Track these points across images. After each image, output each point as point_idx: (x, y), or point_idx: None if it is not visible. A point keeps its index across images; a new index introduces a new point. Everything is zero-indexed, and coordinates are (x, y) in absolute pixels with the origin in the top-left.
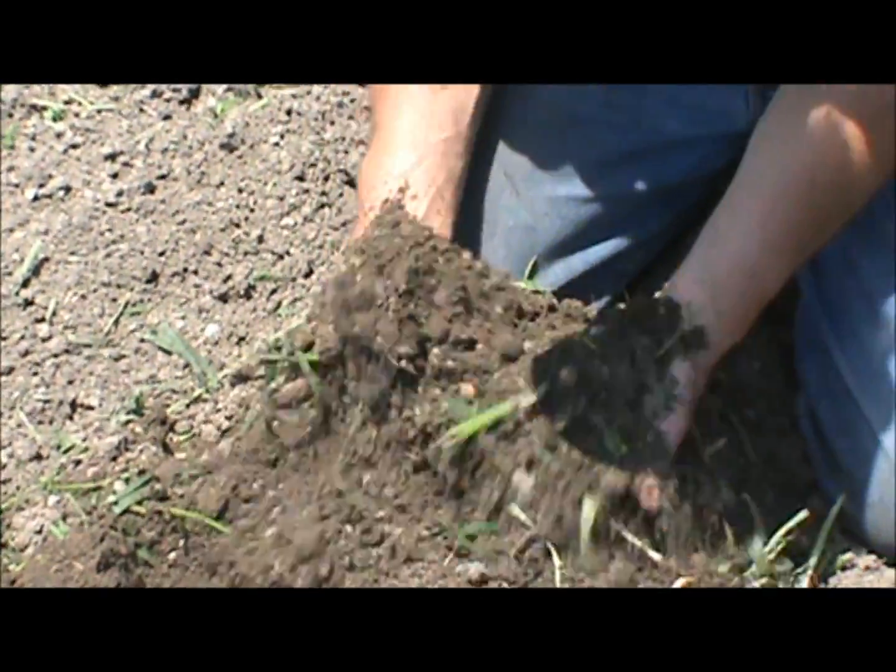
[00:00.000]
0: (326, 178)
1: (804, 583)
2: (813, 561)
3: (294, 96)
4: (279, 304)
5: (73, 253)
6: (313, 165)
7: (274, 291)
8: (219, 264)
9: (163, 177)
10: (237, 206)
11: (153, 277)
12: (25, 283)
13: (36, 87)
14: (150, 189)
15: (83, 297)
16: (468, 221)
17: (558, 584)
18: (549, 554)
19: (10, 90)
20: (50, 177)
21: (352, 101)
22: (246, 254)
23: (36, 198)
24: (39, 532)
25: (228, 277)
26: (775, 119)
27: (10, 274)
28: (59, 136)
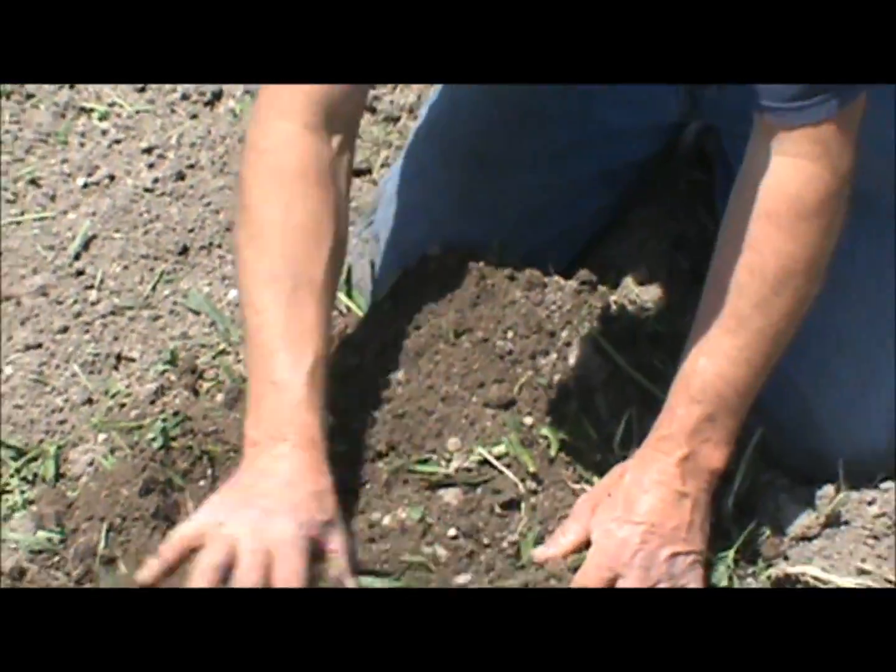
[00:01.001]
0: None
1: (730, 501)
2: (738, 482)
3: None
4: None
5: (117, 231)
6: None
7: None
8: None
9: (191, 166)
10: None
11: (184, 251)
12: (77, 257)
13: (84, 92)
14: (181, 177)
15: (126, 267)
16: (443, 206)
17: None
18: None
19: (63, 95)
20: (97, 167)
21: None
22: None
23: (85, 185)
24: (91, 464)
25: None
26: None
27: (64, 249)
28: (104, 133)
